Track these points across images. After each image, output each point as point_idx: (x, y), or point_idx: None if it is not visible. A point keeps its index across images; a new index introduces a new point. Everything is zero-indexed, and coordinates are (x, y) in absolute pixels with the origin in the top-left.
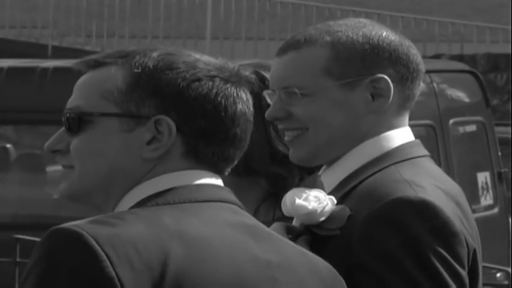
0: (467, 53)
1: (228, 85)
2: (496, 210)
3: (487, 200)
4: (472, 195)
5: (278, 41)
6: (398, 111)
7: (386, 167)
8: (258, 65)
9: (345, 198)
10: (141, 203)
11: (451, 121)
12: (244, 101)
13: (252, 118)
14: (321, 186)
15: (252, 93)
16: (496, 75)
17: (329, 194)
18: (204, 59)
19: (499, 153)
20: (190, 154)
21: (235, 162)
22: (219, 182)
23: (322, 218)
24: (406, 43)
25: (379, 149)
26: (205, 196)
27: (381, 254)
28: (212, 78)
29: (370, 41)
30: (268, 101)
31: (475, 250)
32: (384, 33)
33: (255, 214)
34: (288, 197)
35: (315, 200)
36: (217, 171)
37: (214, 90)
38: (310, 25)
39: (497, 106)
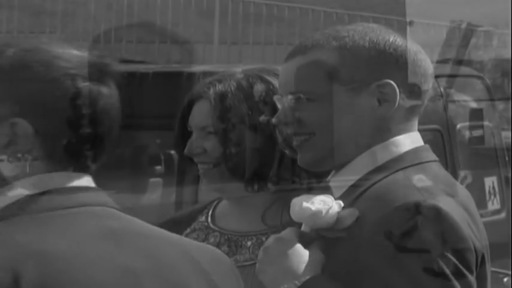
0: (474, 58)
1: (88, 83)
2: (503, 215)
3: (494, 204)
4: (479, 200)
5: (286, 46)
6: (406, 116)
7: (395, 172)
8: (262, 69)
9: (354, 204)
10: (1, 213)
11: (458, 126)
12: (106, 97)
13: (118, 111)
14: (331, 192)
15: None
16: (504, 80)
17: (338, 199)
18: (65, 56)
19: (506, 158)
20: (51, 156)
21: (102, 158)
22: (84, 181)
23: (329, 221)
24: (414, 48)
25: (388, 154)
26: (67, 202)
27: (389, 258)
28: (71, 77)
29: (377, 46)
30: (278, 106)
31: (483, 255)
32: (391, 38)
33: (263, 218)
34: (295, 202)
35: (320, 202)
36: (83, 170)
37: (72, 90)
38: (317, 29)
39: (504, 111)
